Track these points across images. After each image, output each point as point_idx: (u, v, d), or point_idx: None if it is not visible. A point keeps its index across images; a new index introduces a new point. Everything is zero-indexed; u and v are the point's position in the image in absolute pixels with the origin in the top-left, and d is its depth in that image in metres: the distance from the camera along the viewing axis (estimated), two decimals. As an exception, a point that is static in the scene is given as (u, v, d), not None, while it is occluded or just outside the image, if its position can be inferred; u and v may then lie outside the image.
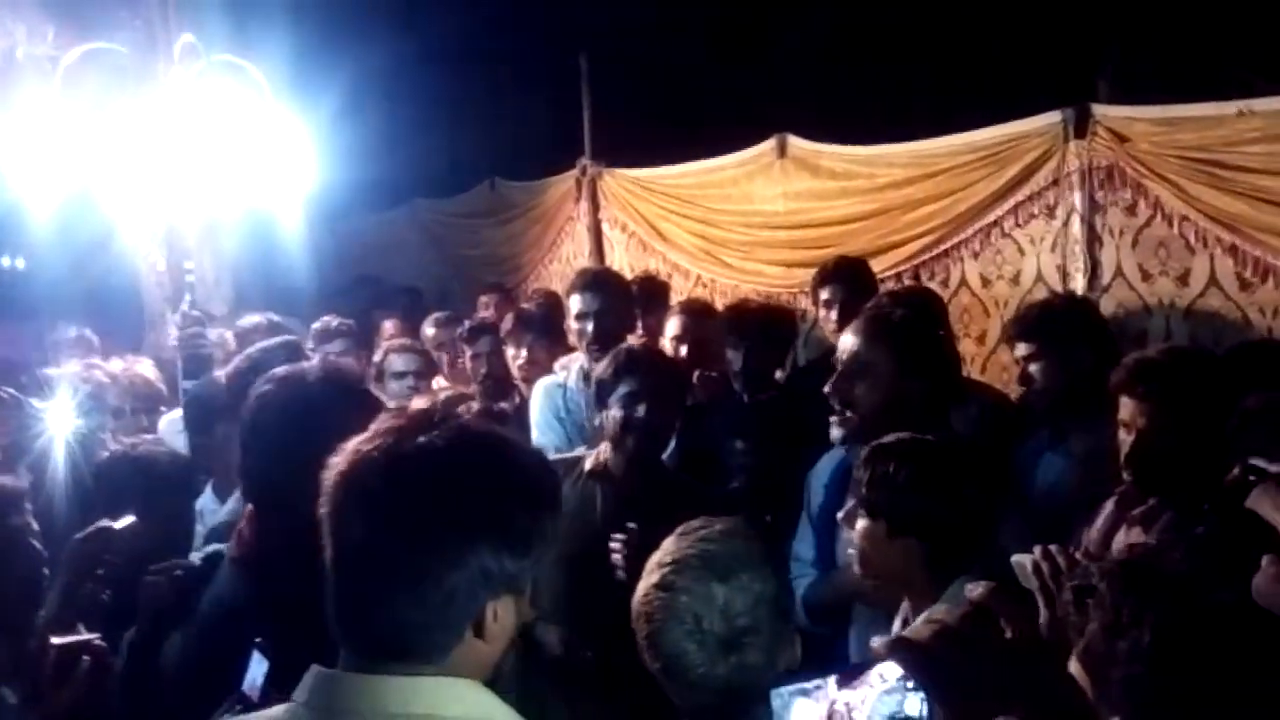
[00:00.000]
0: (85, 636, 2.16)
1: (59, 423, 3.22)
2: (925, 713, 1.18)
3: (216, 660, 1.87)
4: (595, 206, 6.45)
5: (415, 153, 7.79)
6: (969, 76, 6.21)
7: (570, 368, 4.21)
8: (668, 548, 1.92)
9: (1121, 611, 1.32)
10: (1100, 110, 4.08)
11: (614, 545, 2.80)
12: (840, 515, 2.45)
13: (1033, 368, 3.32)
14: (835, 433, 2.79)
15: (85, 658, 2.10)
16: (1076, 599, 1.40)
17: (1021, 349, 3.38)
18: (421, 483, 1.32)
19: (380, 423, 1.40)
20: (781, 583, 1.95)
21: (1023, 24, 5.99)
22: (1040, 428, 3.32)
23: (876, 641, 1.09)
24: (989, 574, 2.20)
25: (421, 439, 1.34)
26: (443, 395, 4.16)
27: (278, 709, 1.38)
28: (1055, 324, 3.33)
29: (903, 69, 6.61)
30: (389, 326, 5.89)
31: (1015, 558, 1.90)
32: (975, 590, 1.12)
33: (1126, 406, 2.48)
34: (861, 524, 2.31)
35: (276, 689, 1.64)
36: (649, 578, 1.88)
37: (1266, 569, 1.77)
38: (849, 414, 2.75)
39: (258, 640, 1.82)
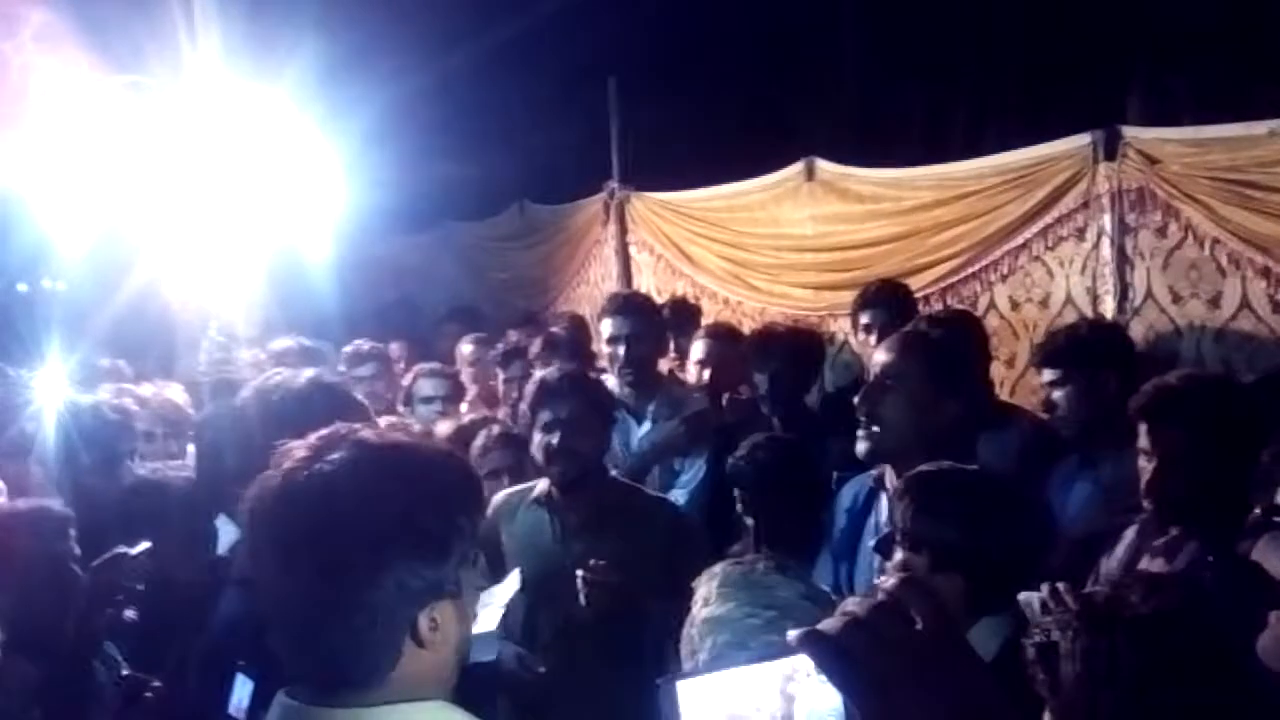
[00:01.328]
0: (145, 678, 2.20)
1: (48, 391, 3.28)
2: (842, 707, 1.16)
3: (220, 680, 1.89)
4: (623, 229, 6.46)
5: (445, 176, 7.85)
6: (999, 99, 6.18)
7: (601, 391, 4.20)
8: (712, 585, 1.87)
9: (1093, 662, 1.29)
10: (1130, 132, 4.04)
11: (580, 579, 2.85)
12: (872, 544, 2.42)
13: (1057, 394, 3.28)
14: (861, 446, 2.74)
15: (149, 693, 2.13)
16: (1040, 655, 1.36)
17: (1047, 375, 3.34)
18: (320, 508, 1.30)
19: (287, 450, 1.37)
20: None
21: (1053, 46, 5.96)
22: (1070, 454, 3.27)
23: (791, 633, 1.06)
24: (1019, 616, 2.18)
25: (319, 462, 1.32)
26: (466, 419, 4.16)
27: None
28: (1081, 350, 3.28)
29: (932, 92, 6.58)
30: (395, 349, 5.89)
31: (1022, 596, 1.85)
32: (888, 581, 1.09)
33: (1146, 434, 2.43)
34: (900, 556, 2.23)
35: (264, 709, 1.65)
36: (697, 612, 1.83)
37: (1275, 627, 1.71)
38: (875, 429, 2.70)
39: (240, 662, 1.83)
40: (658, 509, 3.31)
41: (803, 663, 1.19)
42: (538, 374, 3.33)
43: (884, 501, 2.79)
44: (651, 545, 3.06)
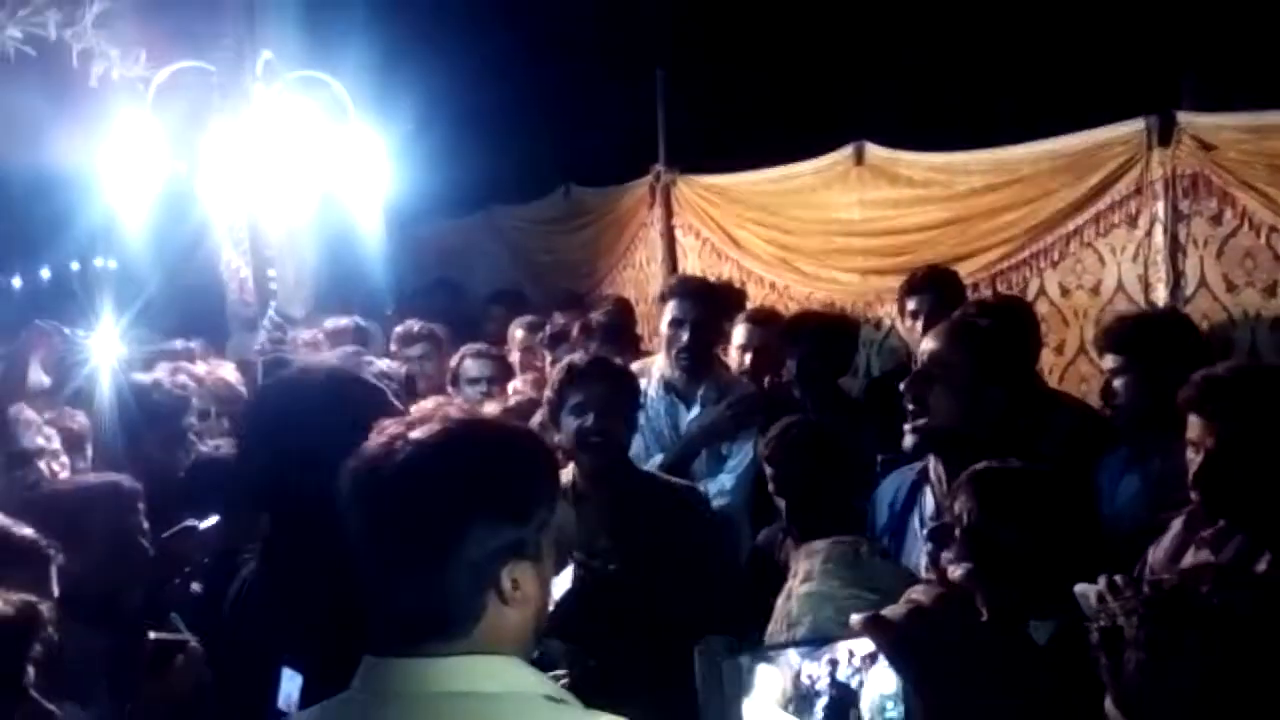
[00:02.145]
0: (182, 636, 2.24)
1: (102, 352, 3.36)
2: (900, 690, 1.18)
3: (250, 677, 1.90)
4: (669, 213, 6.46)
5: (491, 159, 7.88)
6: (1051, 83, 6.10)
7: (649, 374, 4.22)
8: (825, 565, 1.90)
9: (1158, 651, 1.29)
10: (1185, 118, 3.98)
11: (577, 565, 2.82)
12: (924, 532, 2.40)
13: (1118, 382, 3.19)
14: (908, 440, 2.72)
15: (180, 656, 2.18)
16: (1103, 641, 1.36)
17: (1109, 361, 3.25)
18: (414, 470, 1.43)
19: (381, 427, 1.51)
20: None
21: (1107, 28, 5.87)
22: (1121, 445, 3.24)
23: (855, 618, 1.08)
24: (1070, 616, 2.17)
25: (409, 434, 1.46)
26: (512, 401, 4.20)
27: (337, 697, 1.46)
28: (1148, 338, 3.19)
29: (984, 75, 6.51)
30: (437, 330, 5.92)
31: (1079, 587, 1.86)
32: (956, 572, 1.11)
33: (1194, 426, 2.38)
34: (958, 550, 2.13)
35: (315, 702, 1.69)
36: (801, 586, 1.86)
37: None
38: (921, 420, 2.68)
39: (286, 656, 1.86)
40: (687, 501, 3.28)
41: (862, 646, 1.21)
42: (565, 359, 3.32)
43: (929, 496, 2.78)
44: (680, 539, 3.04)
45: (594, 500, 3.10)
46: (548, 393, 3.24)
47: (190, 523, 2.53)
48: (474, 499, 1.43)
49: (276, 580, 1.99)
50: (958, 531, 2.15)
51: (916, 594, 1.10)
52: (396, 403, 2.19)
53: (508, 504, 1.45)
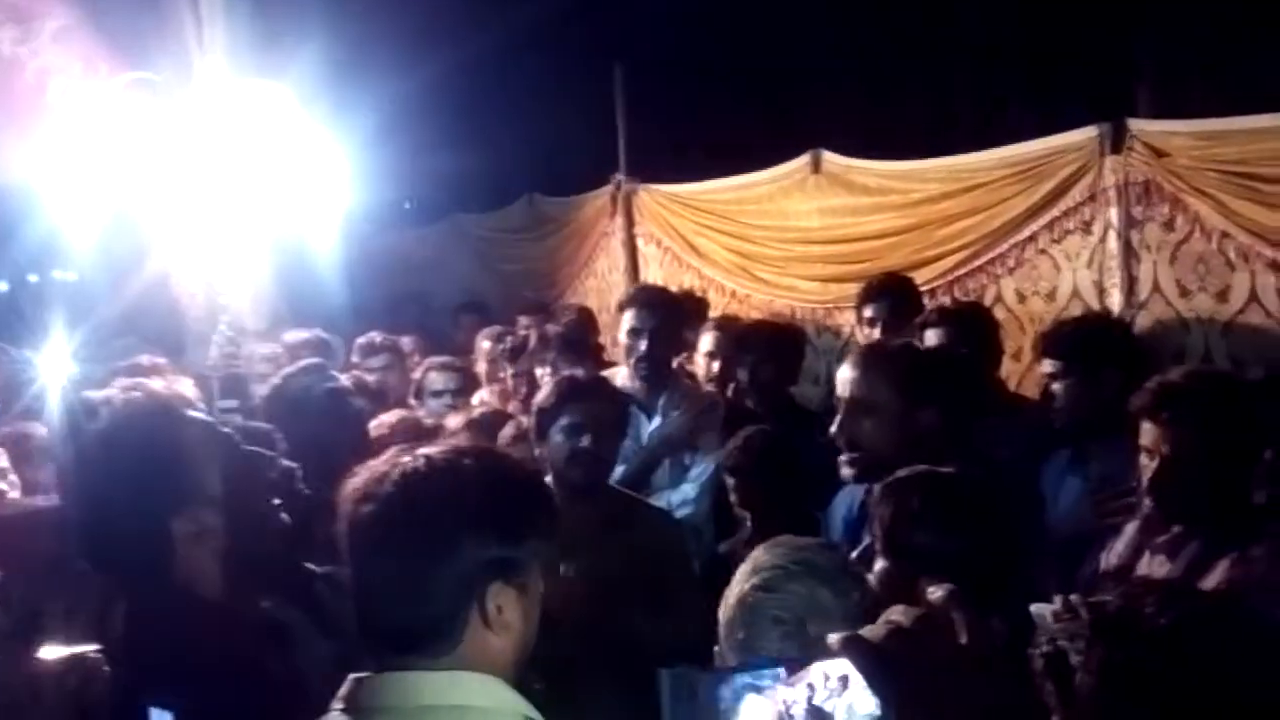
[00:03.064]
0: (81, 649, 2.15)
1: (52, 370, 3.30)
2: (877, 713, 1.17)
3: None
4: (630, 222, 6.47)
5: (453, 169, 7.85)
6: (1007, 91, 6.16)
7: (612, 385, 4.21)
8: (763, 558, 1.91)
9: (1106, 674, 1.28)
10: (1137, 125, 4.03)
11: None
12: (854, 555, 2.39)
13: (1056, 386, 3.27)
14: (845, 472, 2.72)
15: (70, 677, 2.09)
16: (1049, 667, 1.35)
17: (1047, 366, 3.33)
18: (409, 488, 1.48)
19: (391, 451, 1.57)
20: (874, 598, 1.94)
21: (1063, 37, 5.93)
22: (1062, 449, 3.27)
23: (832, 637, 1.08)
24: (1017, 617, 2.17)
25: (416, 452, 1.53)
26: (476, 412, 4.17)
27: (325, 716, 1.48)
28: (1084, 343, 3.27)
29: (940, 83, 6.57)
30: (408, 343, 5.90)
31: (1034, 608, 1.86)
32: (935, 593, 1.11)
33: (1148, 432, 2.40)
34: (880, 565, 2.20)
35: None
36: (746, 581, 1.87)
37: None
38: (855, 453, 2.68)
39: (154, 700, 1.82)
40: (659, 523, 3.28)
41: (838, 667, 1.21)
42: (563, 374, 3.29)
43: None
44: (650, 560, 3.02)
45: (570, 518, 3.07)
46: (537, 404, 3.16)
47: None
48: (471, 509, 1.47)
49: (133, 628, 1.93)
50: (877, 545, 2.17)
51: (896, 614, 1.10)
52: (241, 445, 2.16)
53: (502, 523, 1.49)
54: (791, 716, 1.23)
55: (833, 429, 2.71)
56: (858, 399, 2.67)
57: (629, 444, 4.08)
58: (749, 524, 3.47)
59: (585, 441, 3.01)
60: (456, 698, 1.43)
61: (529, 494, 1.57)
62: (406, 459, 1.51)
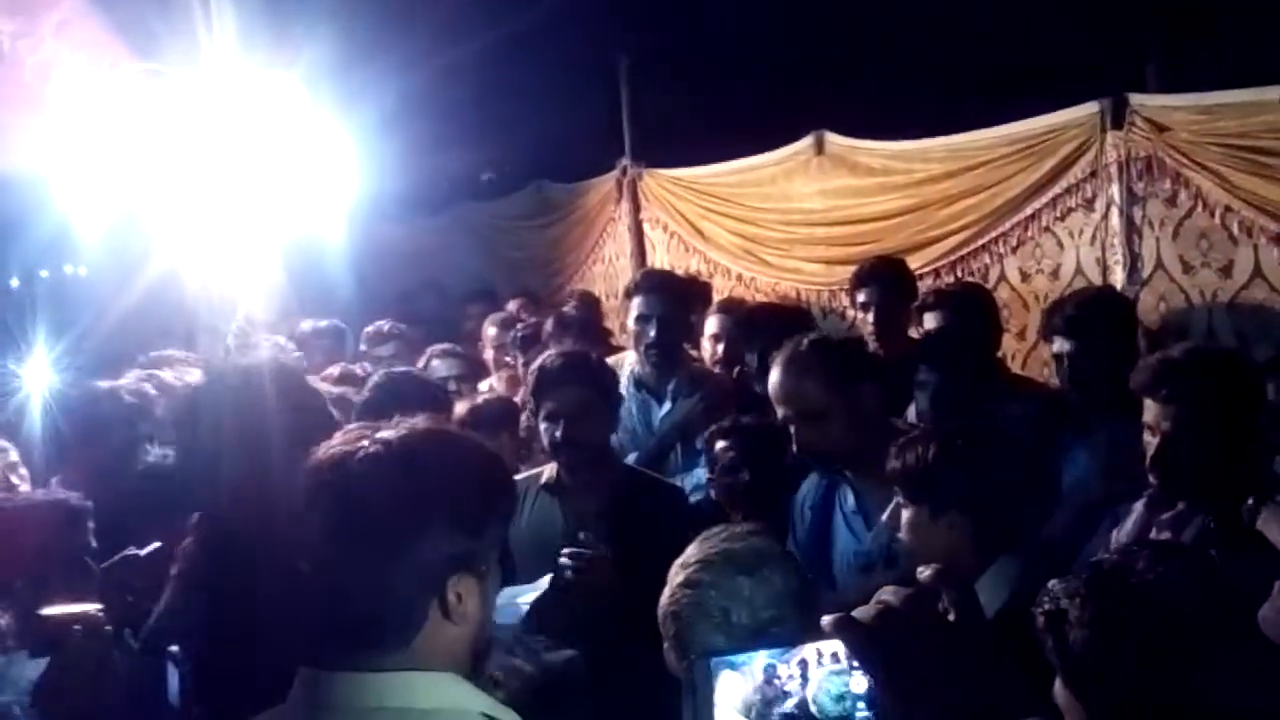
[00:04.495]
0: (84, 606, 2.18)
1: (35, 379, 3.33)
2: (870, 692, 1.20)
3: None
4: (636, 207, 6.49)
5: (459, 157, 7.87)
6: (1012, 68, 6.13)
7: (620, 371, 4.23)
8: (691, 552, 1.96)
9: (1101, 628, 1.32)
10: (1137, 100, 4.03)
11: (564, 559, 2.80)
12: (884, 517, 2.47)
13: (1065, 360, 3.26)
14: (816, 468, 2.92)
15: (76, 627, 2.12)
16: (1048, 624, 1.39)
17: (1057, 342, 3.32)
18: (371, 475, 1.43)
19: (345, 431, 1.52)
20: (803, 578, 1.98)
21: (1069, 15, 5.90)
22: (1069, 424, 3.28)
23: (826, 619, 1.11)
24: (1033, 553, 2.24)
25: (373, 438, 1.46)
26: (480, 399, 4.21)
27: (275, 709, 1.45)
28: (1088, 317, 3.26)
29: (944, 63, 6.54)
30: (414, 332, 5.92)
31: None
32: (924, 573, 1.13)
33: (1151, 409, 2.41)
34: (905, 514, 2.36)
35: (195, 699, 1.69)
36: (675, 579, 1.92)
37: (1276, 598, 1.72)
38: (820, 451, 2.85)
39: (171, 649, 1.86)
40: (668, 497, 3.29)
41: (830, 647, 1.24)
42: (537, 361, 3.30)
43: (848, 491, 2.91)
44: (661, 534, 3.06)
45: (576, 492, 3.12)
46: (523, 395, 3.24)
47: (131, 551, 2.52)
48: (431, 504, 1.43)
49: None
50: (898, 482, 2.35)
51: (886, 595, 1.13)
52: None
53: (463, 514, 1.44)
54: (786, 693, 1.26)
55: (795, 447, 2.85)
56: (801, 412, 2.81)
57: (641, 430, 4.13)
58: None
59: (559, 431, 3.05)
60: (414, 699, 1.40)
61: (489, 481, 1.52)
62: (364, 445, 1.45)
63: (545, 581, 2.76)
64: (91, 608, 2.14)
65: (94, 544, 2.44)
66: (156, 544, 2.53)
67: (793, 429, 2.84)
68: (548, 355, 3.27)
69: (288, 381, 2.20)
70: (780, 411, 2.87)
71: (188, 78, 4.20)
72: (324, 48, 4.99)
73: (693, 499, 3.72)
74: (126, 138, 4.15)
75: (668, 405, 4.15)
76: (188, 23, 4.16)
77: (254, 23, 4.48)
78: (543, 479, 3.18)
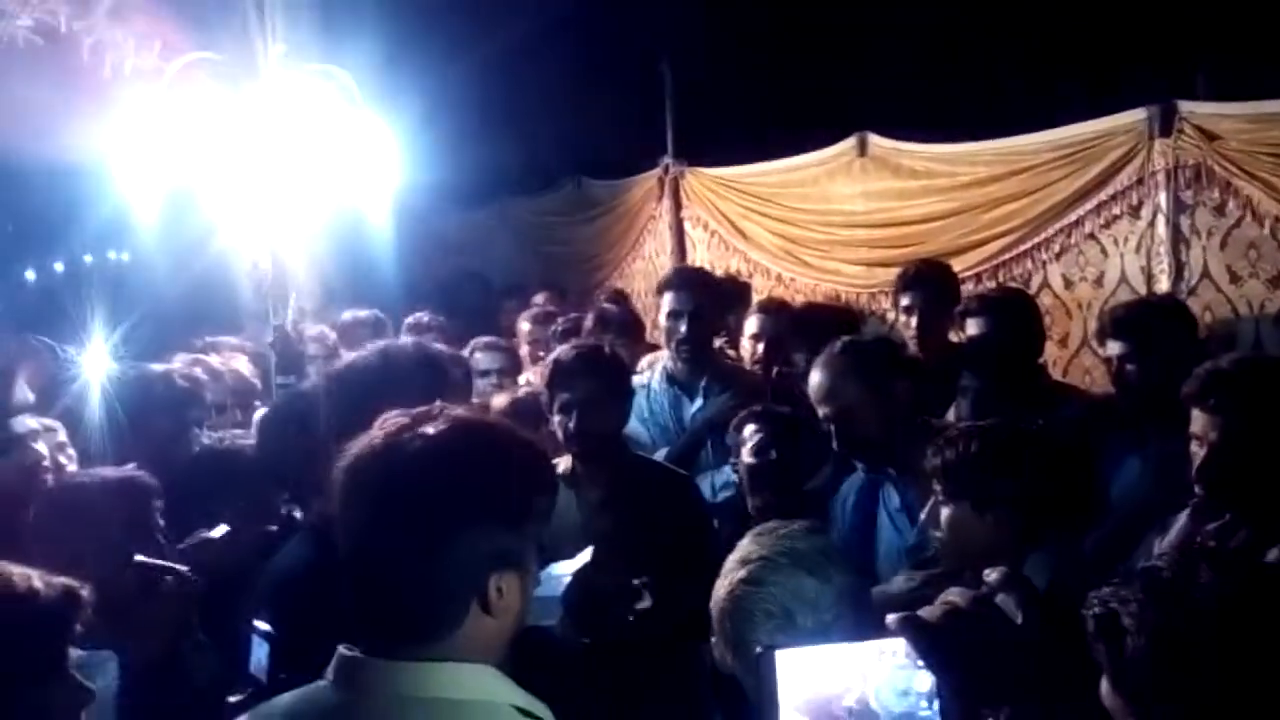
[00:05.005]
0: (167, 563, 2.24)
1: (92, 366, 3.38)
2: (934, 690, 1.21)
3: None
4: (677, 205, 6.50)
5: (501, 152, 7.92)
6: (1060, 73, 6.10)
7: (654, 367, 4.24)
8: (750, 548, 1.95)
9: (1160, 638, 1.31)
10: (1187, 107, 3.99)
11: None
12: (923, 516, 2.48)
13: (1122, 366, 3.19)
14: (861, 470, 2.96)
15: (167, 578, 2.19)
16: (1100, 628, 1.38)
17: (1111, 347, 3.25)
18: (415, 468, 1.42)
19: (387, 417, 1.50)
20: (859, 577, 1.99)
21: (1119, 20, 5.85)
22: (1121, 430, 3.26)
23: (891, 617, 1.12)
24: (1067, 553, 2.24)
25: (418, 430, 1.45)
26: (521, 392, 4.24)
27: (313, 685, 1.46)
28: (1147, 323, 3.20)
29: (991, 65, 6.52)
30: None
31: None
32: (991, 575, 1.14)
33: (1198, 419, 2.39)
34: (945, 511, 2.36)
35: (284, 670, 1.72)
36: (734, 574, 1.91)
37: None
38: (860, 451, 2.91)
39: (255, 624, 1.90)
40: (675, 486, 3.30)
41: (893, 644, 1.25)
42: (552, 354, 3.32)
43: (891, 490, 2.94)
44: (669, 524, 3.05)
45: (591, 483, 3.14)
46: (537, 385, 3.28)
47: (203, 533, 2.56)
48: (474, 501, 1.42)
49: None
50: (937, 495, 2.34)
51: (953, 595, 1.14)
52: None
53: (506, 511, 1.44)
54: (849, 688, 1.27)
55: (834, 444, 2.92)
56: (840, 408, 2.88)
57: (673, 426, 4.14)
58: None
59: (572, 423, 3.07)
60: (450, 690, 1.41)
61: (531, 476, 1.51)
62: (406, 439, 1.44)
63: (587, 554, 2.77)
64: (180, 567, 2.21)
65: (162, 523, 2.48)
66: (224, 526, 2.57)
67: (833, 428, 2.89)
68: (563, 348, 3.29)
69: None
70: (820, 412, 2.93)
71: (240, 67, 4.25)
72: (370, 43, 5.04)
73: (722, 496, 3.74)
74: (178, 126, 4.20)
75: (699, 401, 4.16)
76: (237, 13, 4.22)
77: (301, 16, 4.54)
78: (559, 470, 3.17)
